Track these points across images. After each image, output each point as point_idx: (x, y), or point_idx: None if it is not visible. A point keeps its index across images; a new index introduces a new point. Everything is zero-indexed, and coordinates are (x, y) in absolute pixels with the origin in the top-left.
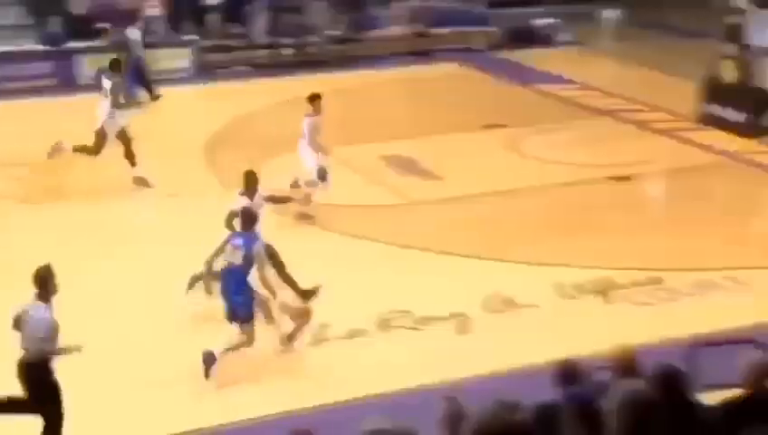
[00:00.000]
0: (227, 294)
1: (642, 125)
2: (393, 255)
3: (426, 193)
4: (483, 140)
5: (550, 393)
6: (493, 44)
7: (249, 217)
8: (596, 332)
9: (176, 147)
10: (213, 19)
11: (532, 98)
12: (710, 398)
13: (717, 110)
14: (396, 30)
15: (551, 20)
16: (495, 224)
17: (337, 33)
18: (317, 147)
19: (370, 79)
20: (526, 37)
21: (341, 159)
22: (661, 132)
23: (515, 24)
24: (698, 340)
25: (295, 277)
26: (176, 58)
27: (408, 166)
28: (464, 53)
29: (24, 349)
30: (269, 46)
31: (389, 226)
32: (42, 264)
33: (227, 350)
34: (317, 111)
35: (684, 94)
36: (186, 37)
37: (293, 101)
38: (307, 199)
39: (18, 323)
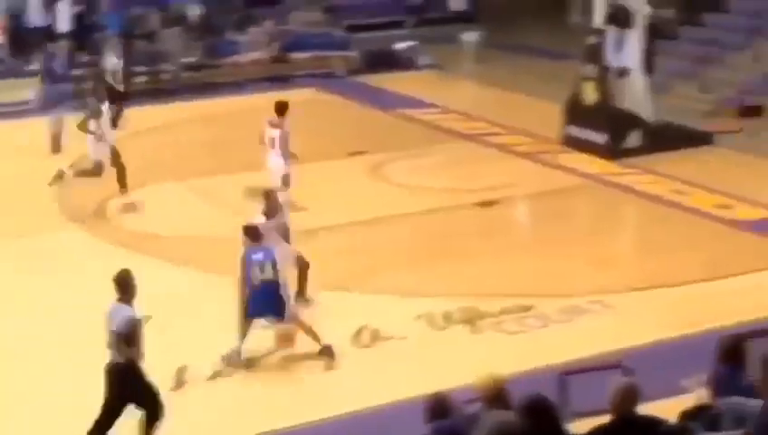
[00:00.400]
0: (268, 306)
1: (505, 148)
2: None
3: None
4: (346, 167)
5: (419, 428)
6: (353, 69)
7: (254, 231)
8: (466, 362)
9: (22, 183)
10: (61, 47)
11: (395, 123)
12: (580, 426)
13: (579, 132)
14: (253, 55)
15: (411, 43)
16: (362, 254)
17: (192, 59)
18: (288, 156)
19: (229, 106)
20: (387, 61)
21: (204, 191)
22: (524, 155)
23: (375, 48)
24: (567, 367)
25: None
26: (20, 89)
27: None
28: (324, 78)
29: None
30: (123, 74)
31: None
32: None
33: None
34: (283, 121)
35: (546, 116)
36: (30, 67)
37: (149, 132)
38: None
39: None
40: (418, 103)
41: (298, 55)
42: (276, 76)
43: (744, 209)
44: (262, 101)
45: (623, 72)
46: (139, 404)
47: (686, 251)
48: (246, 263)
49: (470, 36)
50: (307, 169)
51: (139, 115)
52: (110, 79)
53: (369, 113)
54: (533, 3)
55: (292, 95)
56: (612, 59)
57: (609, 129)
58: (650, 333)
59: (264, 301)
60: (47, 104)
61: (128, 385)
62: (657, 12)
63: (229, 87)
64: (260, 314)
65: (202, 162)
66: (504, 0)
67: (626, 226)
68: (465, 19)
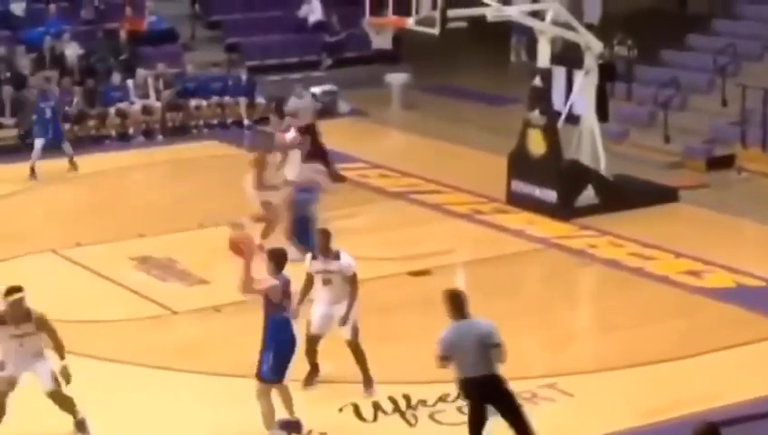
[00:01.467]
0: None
1: (441, 208)
2: (148, 378)
3: (189, 301)
4: (257, 233)
5: None
6: (261, 117)
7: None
8: None
9: None
10: None
11: None
12: None
13: (525, 188)
14: (145, 102)
15: (329, 87)
16: None
17: (70, 108)
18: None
19: (116, 162)
20: None
21: (83, 262)
22: (463, 216)
23: (287, 93)
24: None
25: None
26: None
27: (165, 268)
28: (227, 128)
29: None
30: None
31: (144, 343)
32: None
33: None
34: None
35: (487, 171)
36: None
37: (16, 193)
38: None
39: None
40: (339, 157)
41: (197, 102)
42: (171, 127)
43: (715, 276)
44: (154, 157)
45: (573, 120)
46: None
47: (651, 325)
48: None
49: (397, 78)
50: (210, 235)
51: (4, 174)
52: None
53: None
54: (468, 40)
55: (193, 148)
56: (561, 104)
57: (559, 184)
58: (612, 422)
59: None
60: None
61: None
62: (612, 49)
63: (114, 140)
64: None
65: (82, 228)
66: (434, 37)
67: (582, 296)
68: (389, 58)
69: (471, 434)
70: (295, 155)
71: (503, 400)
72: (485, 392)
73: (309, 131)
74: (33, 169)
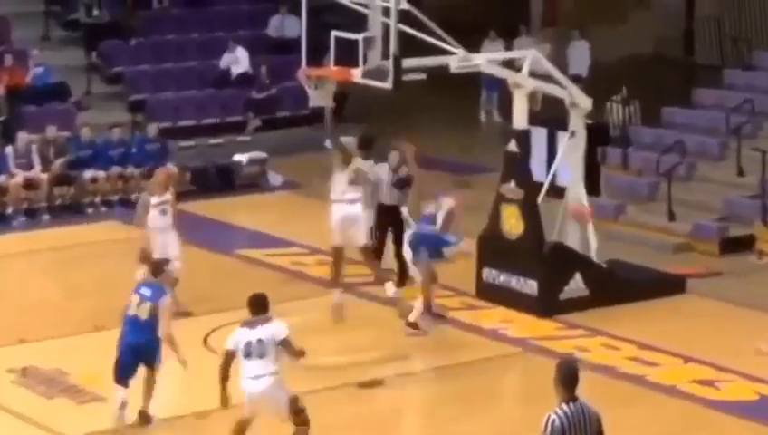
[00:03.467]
0: None
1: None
2: None
3: (81, 423)
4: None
5: None
6: (176, 192)
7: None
8: None
9: None
10: None
11: (237, 270)
12: None
13: (499, 277)
14: (28, 174)
15: (257, 154)
16: None
17: None
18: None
19: None
20: (223, 180)
21: None
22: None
23: (206, 162)
24: None
25: None
26: None
27: (51, 382)
28: (130, 206)
29: None
30: None
31: None
32: None
33: None
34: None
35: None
36: None
37: None
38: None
39: None
40: (269, 241)
41: (94, 174)
42: (61, 205)
43: (733, 386)
44: (38, 242)
45: (557, 192)
46: None
47: None
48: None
49: (344, 142)
50: (106, 338)
51: None
52: None
53: (199, 256)
54: (429, 95)
55: (89, 230)
56: (542, 174)
57: (540, 273)
58: None
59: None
60: None
61: None
62: (603, 108)
63: None
64: None
65: None
66: (387, 92)
67: None
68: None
69: None
70: None
71: None
72: None
73: None
74: None
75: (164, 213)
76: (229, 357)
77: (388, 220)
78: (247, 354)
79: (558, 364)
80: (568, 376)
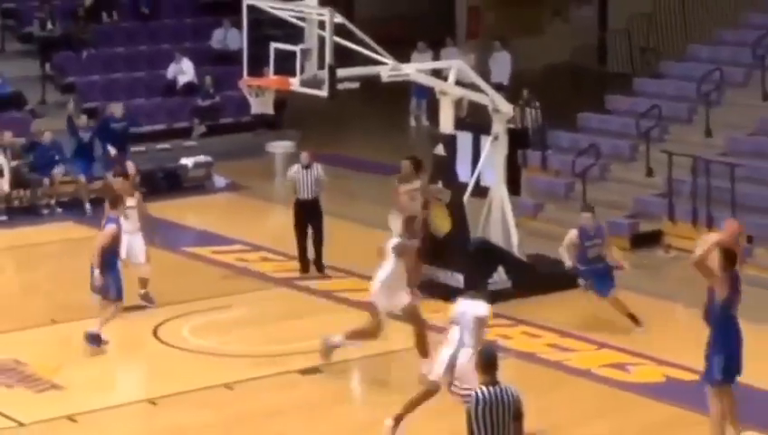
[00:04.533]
0: None
1: (334, 296)
2: None
3: (39, 410)
4: (118, 327)
5: None
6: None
7: None
8: None
9: None
10: None
11: (183, 266)
12: None
13: (428, 271)
14: None
15: (202, 157)
16: None
17: None
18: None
19: None
20: (169, 183)
21: None
22: (357, 304)
23: (153, 165)
24: None
25: None
26: None
27: (8, 373)
28: (82, 208)
29: None
30: None
31: None
32: None
33: None
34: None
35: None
36: None
37: None
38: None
39: None
40: (215, 239)
41: (50, 177)
42: (17, 207)
43: (642, 369)
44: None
45: (481, 192)
46: None
47: (575, 428)
48: None
49: (280, 147)
50: (63, 331)
51: None
52: None
53: (152, 253)
54: (362, 103)
55: (40, 232)
56: (467, 175)
57: (465, 267)
58: None
59: None
60: None
61: None
62: (524, 114)
63: None
64: None
65: None
66: (322, 100)
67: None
68: (270, 125)
69: None
70: None
71: None
72: None
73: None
74: None
75: (127, 217)
76: None
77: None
78: None
79: (478, 351)
80: (487, 361)
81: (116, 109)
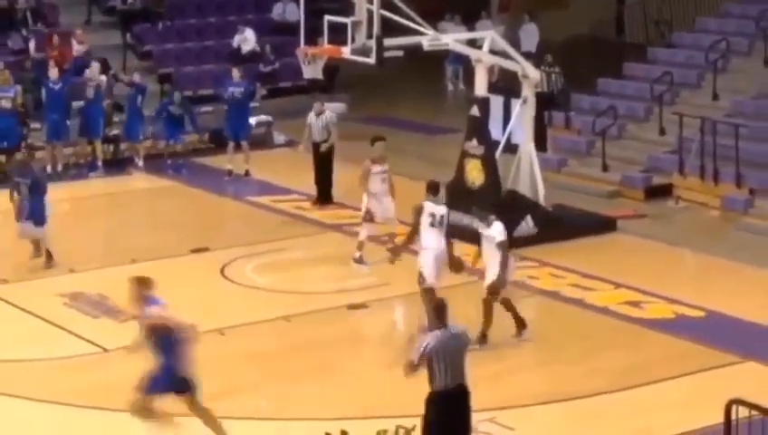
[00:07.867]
0: None
1: (378, 240)
2: (79, 419)
3: (121, 338)
4: (189, 267)
5: None
6: (195, 149)
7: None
8: None
9: None
10: None
11: (247, 213)
12: None
13: (463, 219)
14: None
15: (264, 117)
16: (208, 372)
17: None
18: None
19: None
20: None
21: (10, 299)
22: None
23: (221, 124)
24: None
25: None
26: None
27: (96, 305)
28: (158, 160)
29: None
30: None
31: (75, 382)
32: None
33: None
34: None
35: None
36: None
37: None
38: None
39: None
40: (274, 189)
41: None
42: (101, 159)
43: (655, 307)
44: (83, 192)
45: (512, 149)
46: None
47: (591, 357)
48: None
49: (332, 108)
50: (143, 269)
51: None
52: None
53: (218, 202)
54: (403, 69)
55: (123, 182)
56: (499, 133)
57: (497, 215)
58: None
59: None
60: None
61: None
62: (549, 78)
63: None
64: None
65: (8, 264)
66: (369, 67)
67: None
68: (321, 88)
69: None
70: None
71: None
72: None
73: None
74: None
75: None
76: None
77: None
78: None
79: (431, 300)
80: (437, 308)
81: (235, 73)
